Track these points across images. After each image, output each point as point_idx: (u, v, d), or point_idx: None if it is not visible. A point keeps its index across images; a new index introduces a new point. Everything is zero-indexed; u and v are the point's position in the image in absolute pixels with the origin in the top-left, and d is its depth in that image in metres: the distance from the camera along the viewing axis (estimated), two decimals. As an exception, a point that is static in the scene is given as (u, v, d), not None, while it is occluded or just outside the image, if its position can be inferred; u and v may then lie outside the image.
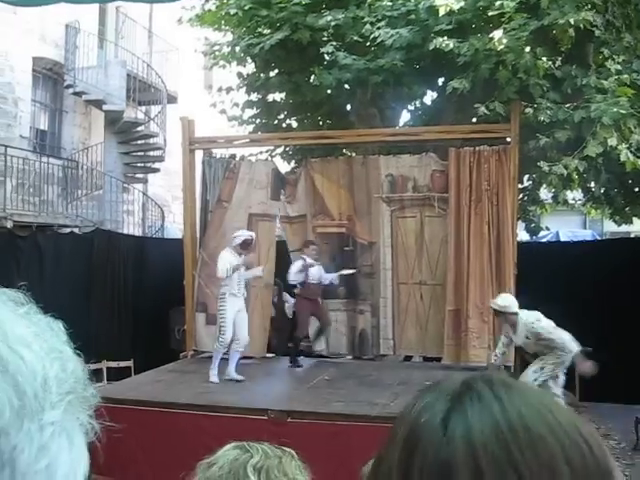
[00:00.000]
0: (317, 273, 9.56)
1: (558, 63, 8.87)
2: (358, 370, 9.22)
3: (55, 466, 0.56)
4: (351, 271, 9.91)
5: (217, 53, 12.00)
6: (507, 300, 7.92)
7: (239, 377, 8.45)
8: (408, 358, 10.50)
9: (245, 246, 8.67)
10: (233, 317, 8.49)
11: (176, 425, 6.90)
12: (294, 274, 9.49)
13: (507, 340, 8.04)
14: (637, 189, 11.83)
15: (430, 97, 11.95)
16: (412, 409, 0.72)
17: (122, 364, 10.30)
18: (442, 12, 8.91)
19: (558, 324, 10.41)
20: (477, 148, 9.62)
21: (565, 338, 7.48)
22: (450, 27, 9.06)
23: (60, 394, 0.57)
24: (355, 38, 9.74)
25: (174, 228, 16.73)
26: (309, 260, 9.50)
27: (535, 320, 7.64)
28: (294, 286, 9.91)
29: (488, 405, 0.67)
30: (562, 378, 7.65)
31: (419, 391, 0.77)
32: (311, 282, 9.51)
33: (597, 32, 8.65)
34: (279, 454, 1.64)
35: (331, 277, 9.72)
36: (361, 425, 6.55)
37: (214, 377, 8.34)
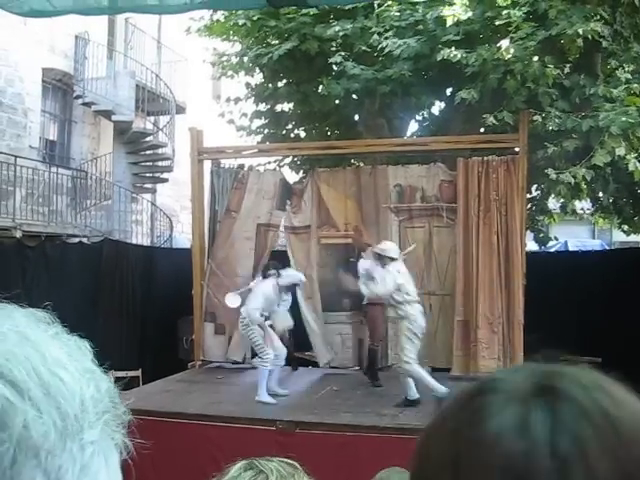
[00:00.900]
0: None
1: (567, 71, 8.84)
2: (366, 380, 9.19)
3: None
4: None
5: (225, 63, 12.05)
6: (387, 244, 8.33)
7: (283, 391, 8.29)
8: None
9: (291, 289, 8.69)
10: (263, 335, 8.26)
11: (184, 435, 6.90)
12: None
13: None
14: (646, 198, 11.79)
15: (438, 107, 11.96)
16: (461, 418, 0.61)
17: (130, 374, 10.29)
18: (450, 22, 8.93)
19: (568, 333, 10.40)
20: (485, 158, 9.60)
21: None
22: (458, 37, 9.08)
23: (97, 414, 0.58)
24: (363, 48, 9.76)
25: (182, 238, 16.74)
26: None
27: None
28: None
29: (590, 416, 0.56)
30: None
31: (456, 395, 0.65)
32: None
33: (605, 43, 8.64)
34: (291, 471, 1.63)
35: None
36: (369, 436, 6.54)
37: (266, 397, 7.97)
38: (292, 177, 12.09)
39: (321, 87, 10.21)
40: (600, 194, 11.88)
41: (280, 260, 9.64)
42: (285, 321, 8.79)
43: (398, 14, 9.77)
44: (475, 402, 0.60)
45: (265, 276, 8.82)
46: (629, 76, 9.27)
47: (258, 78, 12.08)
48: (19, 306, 0.64)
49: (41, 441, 0.53)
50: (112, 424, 0.60)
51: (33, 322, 0.60)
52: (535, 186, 11.50)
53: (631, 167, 8.63)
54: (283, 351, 8.49)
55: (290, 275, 8.72)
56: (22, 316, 0.60)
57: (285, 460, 1.70)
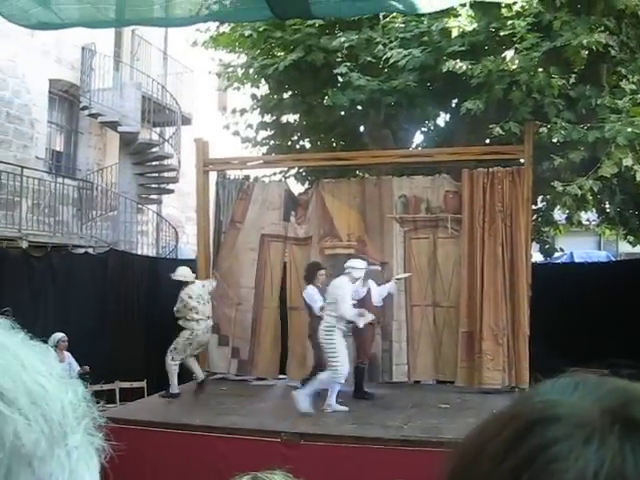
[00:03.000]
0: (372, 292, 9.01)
1: (572, 81, 8.84)
2: (370, 392, 9.16)
3: None
4: (407, 275, 9.61)
5: (231, 75, 12.08)
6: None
7: (342, 407, 8.00)
8: (419, 381, 10.38)
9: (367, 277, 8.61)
10: (343, 348, 8.07)
11: (189, 447, 6.88)
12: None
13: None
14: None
15: (443, 118, 11.97)
16: (535, 457, 0.48)
17: (135, 385, 10.29)
18: (455, 34, 8.95)
19: (573, 345, 10.37)
20: (491, 169, 9.60)
21: None
22: (463, 49, 9.09)
23: (77, 418, 0.58)
24: (368, 59, 9.78)
25: (188, 249, 16.76)
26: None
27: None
28: None
29: None
30: None
31: (498, 420, 0.54)
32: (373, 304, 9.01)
33: (613, 52, 8.63)
34: None
35: (388, 288, 9.22)
36: (374, 448, 6.51)
37: (337, 406, 7.94)
38: (297, 188, 12.10)
39: (326, 98, 10.24)
40: (606, 205, 11.86)
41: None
42: None
43: (403, 25, 9.79)
44: (537, 435, 0.49)
45: (310, 279, 8.92)
46: (633, 87, 9.27)
47: (264, 89, 12.12)
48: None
49: (33, 449, 0.53)
50: (91, 428, 0.61)
51: (5, 330, 0.61)
52: (540, 197, 11.48)
53: (638, 178, 8.61)
54: (347, 370, 8.21)
55: (357, 267, 8.45)
56: None
57: (288, 475, 1.69)
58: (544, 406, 0.52)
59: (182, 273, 9.25)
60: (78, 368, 9.68)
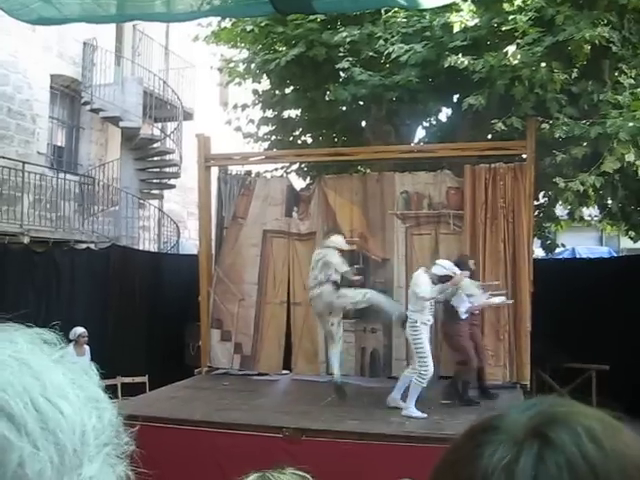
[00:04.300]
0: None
1: (574, 76, 8.82)
2: (371, 388, 9.17)
3: None
4: (507, 301, 8.86)
5: (232, 70, 12.06)
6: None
7: (420, 414, 7.42)
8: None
9: (445, 280, 7.93)
10: (428, 346, 7.73)
11: (190, 442, 6.88)
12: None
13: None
14: (654, 205, 11.75)
15: (445, 114, 11.95)
16: (463, 452, 0.64)
17: (137, 380, 10.30)
18: (457, 29, 8.93)
19: (574, 341, 10.37)
20: (493, 165, 9.59)
21: None
22: (465, 43, 9.07)
23: (98, 446, 0.56)
24: (370, 54, 9.76)
25: (189, 244, 16.76)
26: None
27: None
28: None
29: (575, 467, 0.57)
30: None
31: (468, 428, 0.68)
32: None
33: (614, 48, 8.61)
34: None
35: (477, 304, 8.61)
36: (376, 443, 6.52)
37: (416, 412, 7.43)
38: (299, 184, 12.09)
39: (328, 93, 10.22)
40: (608, 201, 11.84)
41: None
42: None
43: (405, 20, 9.77)
44: (477, 438, 0.64)
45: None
46: (632, 81, 9.25)
47: (265, 85, 12.10)
48: (27, 324, 0.62)
49: (36, 479, 0.51)
50: (113, 455, 0.58)
51: (37, 346, 0.58)
52: (542, 193, 11.47)
53: (641, 173, 8.61)
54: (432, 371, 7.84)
55: (445, 265, 8.05)
56: (25, 341, 0.58)
57: (297, 472, 1.68)
58: (492, 419, 0.66)
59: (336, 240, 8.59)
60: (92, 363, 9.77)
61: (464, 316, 8.29)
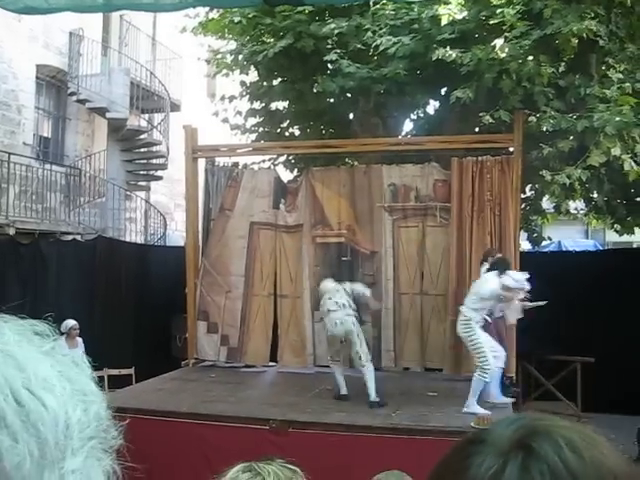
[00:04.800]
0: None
1: (562, 69, 8.84)
2: (359, 380, 9.18)
3: None
4: (541, 303, 8.58)
5: (220, 61, 12.01)
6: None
7: (482, 411, 7.06)
8: (408, 367, 10.42)
9: (513, 293, 7.77)
10: (485, 339, 7.61)
11: (177, 434, 6.89)
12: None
13: None
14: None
15: (433, 107, 11.96)
16: (450, 464, 0.68)
17: (123, 372, 10.28)
18: (445, 21, 8.93)
19: (560, 333, 10.43)
20: (480, 158, 9.61)
21: None
22: (453, 36, 9.08)
23: (82, 439, 0.55)
24: (358, 46, 9.75)
25: (176, 236, 16.73)
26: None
27: None
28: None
29: (558, 477, 0.61)
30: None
31: (457, 441, 0.72)
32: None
33: (601, 42, 8.65)
34: (290, 475, 1.62)
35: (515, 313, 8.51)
36: (363, 436, 6.54)
37: (478, 408, 7.17)
38: (286, 176, 12.08)
39: (316, 85, 10.20)
40: (594, 194, 11.90)
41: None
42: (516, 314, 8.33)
43: (393, 12, 9.76)
44: (466, 450, 0.68)
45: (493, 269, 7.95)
46: (620, 76, 9.28)
47: (253, 76, 12.05)
48: (19, 317, 0.61)
49: (14, 472, 0.50)
50: (99, 449, 0.57)
51: (25, 338, 0.57)
52: (529, 186, 11.51)
53: (626, 167, 8.64)
54: (502, 351, 7.89)
55: (518, 279, 7.72)
56: (13, 332, 0.57)
57: (286, 465, 1.68)
58: (480, 432, 0.70)
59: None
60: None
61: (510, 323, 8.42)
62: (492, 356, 7.49)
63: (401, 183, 10.12)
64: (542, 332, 9.92)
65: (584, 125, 8.43)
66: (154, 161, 15.92)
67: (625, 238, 12.88)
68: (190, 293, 10.46)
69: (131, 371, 10.36)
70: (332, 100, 10.87)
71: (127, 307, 12.09)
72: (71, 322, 9.25)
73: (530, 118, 9.15)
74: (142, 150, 15.68)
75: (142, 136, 15.42)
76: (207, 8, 11.46)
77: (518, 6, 8.68)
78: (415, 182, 10.07)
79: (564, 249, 16.34)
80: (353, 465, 6.01)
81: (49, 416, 0.53)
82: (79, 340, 9.45)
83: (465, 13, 9.05)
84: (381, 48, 9.28)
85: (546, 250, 14.61)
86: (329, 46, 10.11)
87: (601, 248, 17.94)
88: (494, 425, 0.71)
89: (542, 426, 0.67)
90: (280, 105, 12.42)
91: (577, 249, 15.53)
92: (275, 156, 12.48)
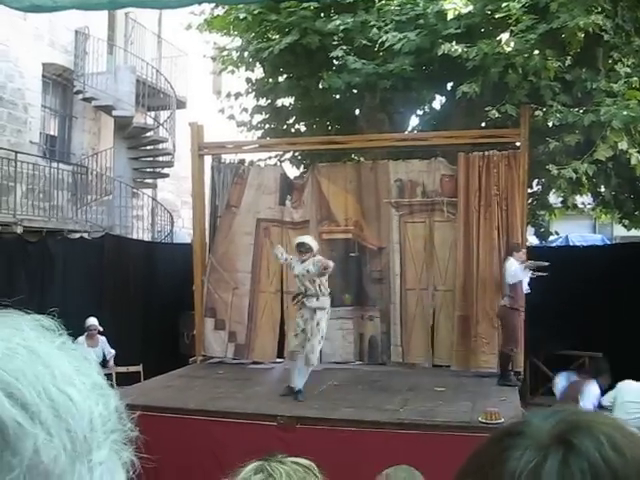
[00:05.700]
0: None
1: (568, 63, 8.81)
2: (367, 375, 9.19)
3: None
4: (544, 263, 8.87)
5: (226, 58, 12.01)
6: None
7: None
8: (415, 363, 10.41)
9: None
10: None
11: (185, 431, 6.89)
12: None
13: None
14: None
15: (439, 102, 11.94)
16: (490, 455, 0.68)
17: (131, 369, 10.31)
18: (450, 16, 8.90)
19: (568, 328, 10.40)
20: (486, 153, 9.60)
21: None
22: (459, 31, 9.05)
23: (105, 432, 0.57)
24: (364, 42, 9.73)
25: (183, 233, 16.75)
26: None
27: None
28: None
29: (598, 472, 0.61)
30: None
31: (494, 432, 0.72)
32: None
33: (607, 36, 8.61)
34: (303, 476, 1.61)
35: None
36: (371, 431, 6.54)
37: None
38: (293, 172, 12.07)
39: (322, 81, 10.19)
40: (601, 189, 11.87)
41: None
42: None
43: (399, 8, 9.75)
44: (504, 442, 0.67)
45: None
46: (628, 70, 9.25)
47: (258, 73, 12.06)
48: (23, 311, 0.62)
49: (52, 466, 0.52)
50: (119, 442, 0.59)
51: (41, 333, 0.58)
52: (536, 181, 11.48)
53: (633, 161, 8.62)
54: None
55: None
56: (30, 328, 0.58)
57: (299, 462, 1.67)
58: (518, 424, 0.70)
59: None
60: (112, 352, 9.98)
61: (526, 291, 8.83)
62: None
63: (408, 179, 10.11)
64: (550, 327, 9.89)
65: (591, 119, 8.41)
66: (160, 158, 15.93)
67: (633, 232, 12.85)
68: (197, 290, 10.47)
69: (139, 368, 10.38)
70: (338, 96, 10.86)
71: (134, 305, 12.12)
72: (90, 320, 9.33)
73: (536, 112, 9.12)
74: (148, 148, 15.70)
75: (148, 134, 15.44)
76: (212, 5, 11.47)
77: (524, 0, 8.65)
78: (422, 177, 10.06)
79: (571, 244, 16.31)
80: (361, 461, 6.00)
81: (77, 410, 0.54)
82: (100, 339, 9.55)
83: (470, 7, 9.02)
84: (387, 44, 9.27)
85: (553, 245, 14.59)
86: (335, 42, 10.10)
87: (609, 242, 17.89)
88: (530, 417, 0.70)
89: (583, 421, 0.67)
90: (286, 102, 12.41)
91: (585, 244, 15.50)
92: (281, 153, 12.47)
